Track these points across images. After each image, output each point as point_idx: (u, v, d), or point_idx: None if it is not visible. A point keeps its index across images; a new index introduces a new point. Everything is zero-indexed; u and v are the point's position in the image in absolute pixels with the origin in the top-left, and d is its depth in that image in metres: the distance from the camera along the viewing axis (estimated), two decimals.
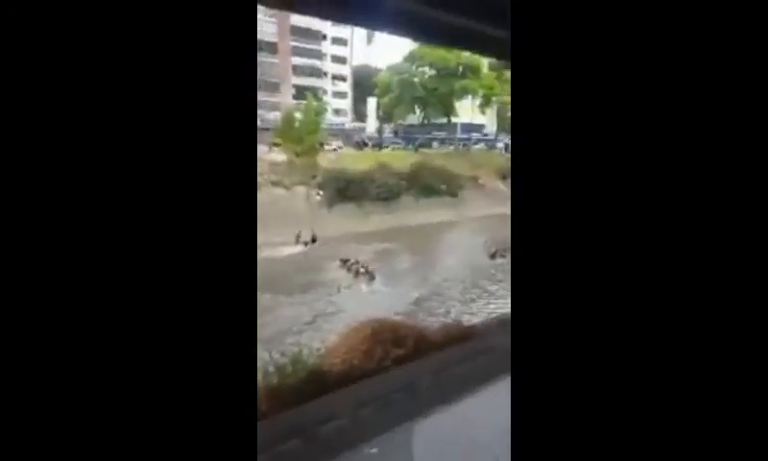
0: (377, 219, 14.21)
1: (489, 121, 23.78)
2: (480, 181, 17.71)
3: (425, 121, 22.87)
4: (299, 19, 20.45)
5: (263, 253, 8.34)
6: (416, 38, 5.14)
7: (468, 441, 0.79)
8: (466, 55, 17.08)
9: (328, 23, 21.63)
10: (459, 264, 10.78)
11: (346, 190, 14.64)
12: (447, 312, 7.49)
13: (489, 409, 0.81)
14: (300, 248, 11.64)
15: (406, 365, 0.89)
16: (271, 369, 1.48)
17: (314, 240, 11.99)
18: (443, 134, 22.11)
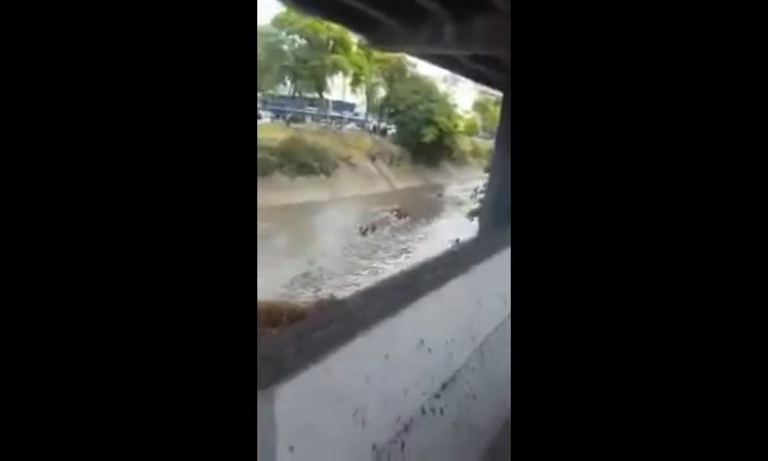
0: None
1: (359, 101, 24.45)
2: (352, 161, 18.33)
3: (297, 94, 21.74)
4: None
5: None
6: (283, 1, 4.78)
7: (331, 394, 0.80)
8: (335, 28, 16.85)
9: None
10: (334, 242, 11.15)
11: None
12: (322, 288, 7.74)
13: (351, 363, 0.85)
14: None
15: (270, 337, 0.95)
16: None
17: None
18: (314, 110, 21.57)
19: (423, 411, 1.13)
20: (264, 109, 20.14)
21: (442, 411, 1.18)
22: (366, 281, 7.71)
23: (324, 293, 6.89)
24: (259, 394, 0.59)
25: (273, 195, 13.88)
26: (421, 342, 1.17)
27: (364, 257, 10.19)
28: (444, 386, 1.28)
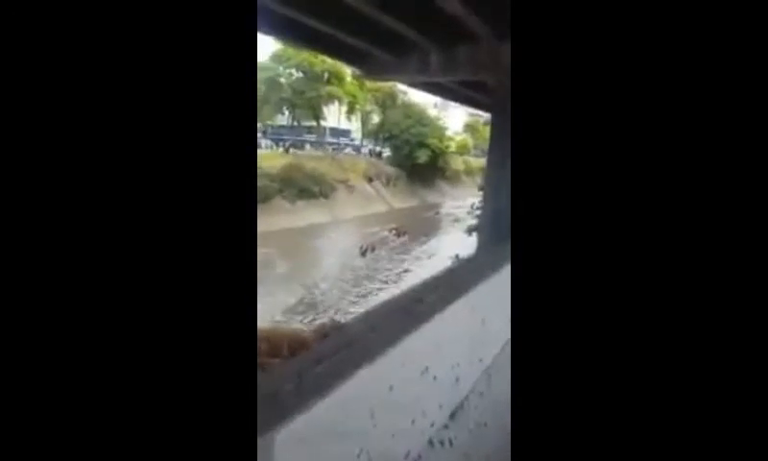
0: None
1: (354, 127, 25.09)
2: (350, 184, 18.57)
3: (295, 123, 22.32)
4: None
5: None
6: (279, 38, 5.01)
7: (332, 434, 0.77)
8: (330, 62, 17.50)
9: None
10: (334, 265, 11.08)
11: None
12: (324, 311, 7.62)
13: (354, 397, 0.81)
14: None
15: (270, 371, 0.91)
16: None
17: None
18: (312, 137, 22.08)
19: (432, 444, 1.08)
20: (264, 138, 20.58)
21: (451, 442, 1.13)
22: (367, 304, 7.60)
23: (326, 316, 6.77)
24: (259, 439, 0.56)
25: (274, 219, 13.90)
26: (426, 369, 1.13)
27: (365, 278, 10.10)
28: (452, 415, 1.23)
